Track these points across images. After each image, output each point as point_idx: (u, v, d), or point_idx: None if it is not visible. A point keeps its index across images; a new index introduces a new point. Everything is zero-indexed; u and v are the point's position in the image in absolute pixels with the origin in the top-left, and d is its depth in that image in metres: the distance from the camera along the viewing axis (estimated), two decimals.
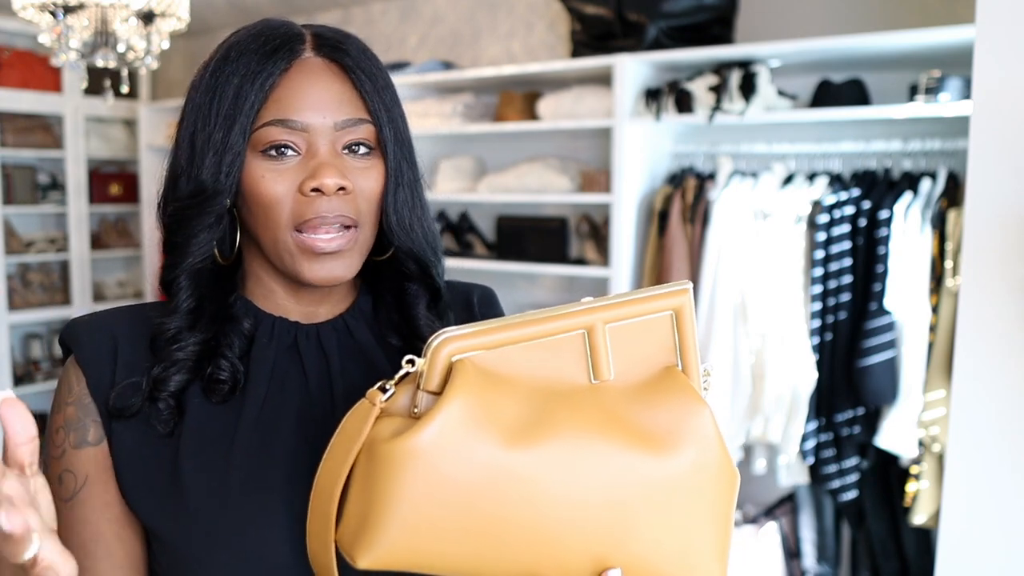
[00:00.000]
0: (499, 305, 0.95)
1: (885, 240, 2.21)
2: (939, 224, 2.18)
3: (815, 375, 2.31)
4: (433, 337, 0.62)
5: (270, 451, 0.74)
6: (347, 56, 0.75)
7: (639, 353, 0.66)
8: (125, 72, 2.40)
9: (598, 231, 2.94)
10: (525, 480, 0.60)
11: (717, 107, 2.44)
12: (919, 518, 2.18)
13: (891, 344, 2.19)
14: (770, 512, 2.65)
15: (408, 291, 0.83)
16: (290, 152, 0.73)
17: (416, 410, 0.62)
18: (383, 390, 0.62)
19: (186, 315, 0.76)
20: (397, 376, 0.63)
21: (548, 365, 0.64)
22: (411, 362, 0.62)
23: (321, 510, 0.63)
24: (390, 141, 0.76)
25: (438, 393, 0.61)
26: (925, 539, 2.36)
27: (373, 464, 0.60)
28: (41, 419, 4.08)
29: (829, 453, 2.34)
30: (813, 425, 2.34)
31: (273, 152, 0.72)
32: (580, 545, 0.61)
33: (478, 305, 0.91)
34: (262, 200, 0.73)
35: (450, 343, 0.62)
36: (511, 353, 0.63)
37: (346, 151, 0.74)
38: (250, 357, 0.78)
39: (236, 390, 0.76)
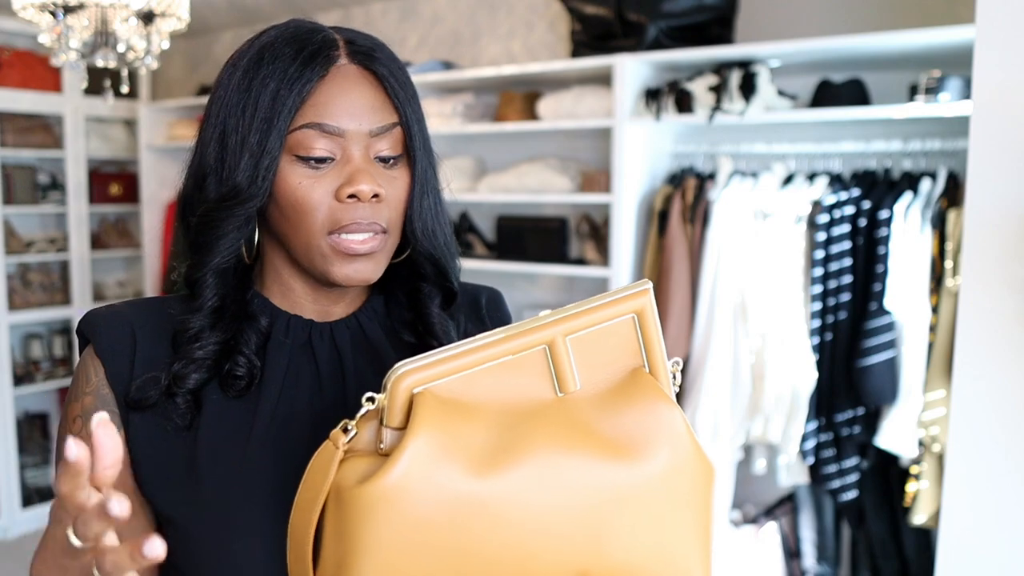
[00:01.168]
0: (506, 307, 0.96)
1: (885, 240, 2.21)
2: (939, 224, 2.18)
3: (815, 375, 2.31)
4: (391, 371, 0.61)
5: (284, 446, 0.76)
6: (381, 64, 0.77)
7: (604, 359, 0.66)
8: (125, 72, 2.40)
9: (598, 231, 2.94)
10: (499, 506, 0.59)
11: (717, 107, 2.44)
12: (919, 518, 2.18)
13: (891, 344, 2.19)
14: (770, 512, 2.65)
15: (422, 290, 0.85)
16: (325, 157, 0.74)
17: (382, 446, 0.61)
18: (345, 431, 0.61)
19: (210, 313, 0.77)
20: (358, 415, 0.62)
21: (512, 385, 0.63)
22: (371, 399, 0.61)
23: (297, 555, 0.62)
24: (419, 149, 0.78)
25: (402, 428, 0.60)
26: (925, 539, 2.36)
27: (342, 511, 0.59)
28: (41, 418, 4.09)
29: (829, 453, 2.34)
30: (813, 425, 2.34)
31: (308, 157, 0.74)
32: (561, 560, 0.61)
33: (486, 307, 0.93)
34: (299, 206, 0.74)
35: (409, 376, 0.60)
36: (473, 378, 0.62)
37: (377, 160, 0.76)
38: (266, 353, 0.79)
39: (252, 385, 0.77)
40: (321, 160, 0.74)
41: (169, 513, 0.74)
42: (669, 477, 0.63)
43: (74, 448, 0.51)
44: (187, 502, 0.74)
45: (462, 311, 0.89)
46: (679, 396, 0.70)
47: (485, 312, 0.92)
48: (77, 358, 0.81)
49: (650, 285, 0.66)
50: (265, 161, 0.73)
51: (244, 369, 0.77)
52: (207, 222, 0.76)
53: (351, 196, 0.73)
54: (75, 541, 0.55)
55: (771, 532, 2.60)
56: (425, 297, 0.84)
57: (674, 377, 0.68)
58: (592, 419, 0.63)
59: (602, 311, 0.65)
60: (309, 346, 0.81)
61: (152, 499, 0.75)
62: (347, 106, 0.74)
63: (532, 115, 2.94)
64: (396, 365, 0.61)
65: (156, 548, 0.51)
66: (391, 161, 0.77)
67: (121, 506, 0.51)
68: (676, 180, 2.65)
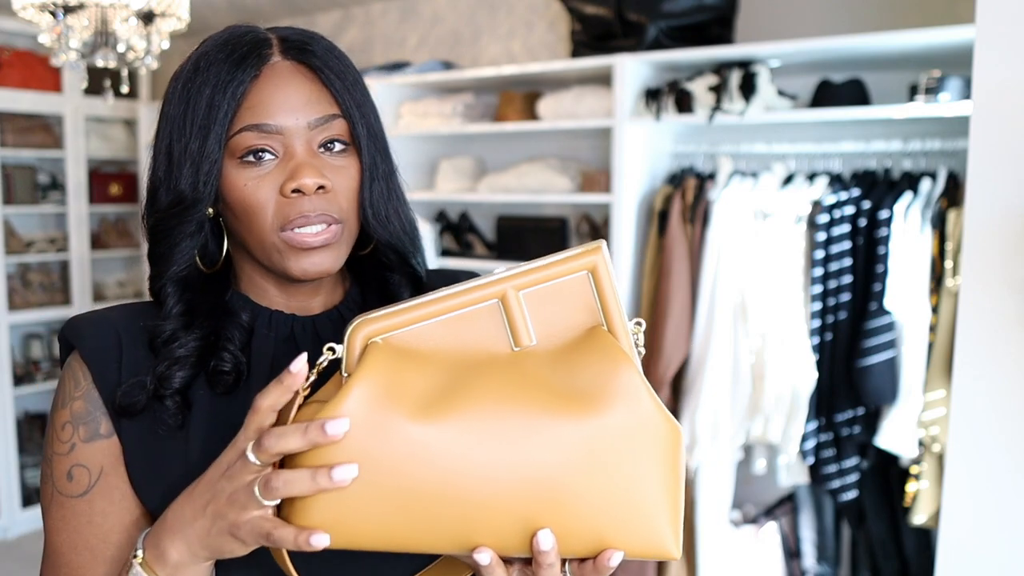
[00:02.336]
0: None
1: (885, 240, 2.21)
2: (939, 224, 2.18)
3: (815, 375, 2.30)
4: (349, 323, 0.64)
5: None
6: (314, 56, 0.77)
7: (560, 316, 0.67)
8: (125, 72, 2.40)
9: (598, 231, 2.94)
10: (439, 451, 0.60)
11: (717, 107, 2.44)
12: (919, 518, 2.18)
13: (891, 344, 2.19)
14: (770, 512, 2.65)
15: (391, 281, 0.85)
16: (267, 156, 0.74)
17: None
18: (308, 378, 0.65)
19: (178, 318, 0.77)
20: (319, 362, 0.65)
21: (467, 337, 0.66)
22: (332, 349, 0.65)
23: None
24: (363, 136, 0.78)
25: None
26: (925, 539, 2.36)
27: None
28: (41, 418, 4.08)
29: (829, 453, 2.34)
30: (813, 425, 2.33)
31: (251, 158, 0.74)
32: (507, 510, 0.61)
33: None
34: (246, 207, 0.74)
35: (365, 326, 0.64)
36: (429, 330, 0.65)
37: (322, 150, 0.76)
38: (250, 349, 0.80)
39: (240, 381, 0.78)
40: (262, 160, 0.74)
41: None
42: (625, 433, 0.62)
43: (299, 362, 0.59)
44: None
45: None
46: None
47: None
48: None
49: (603, 243, 0.68)
50: (205, 166, 0.73)
51: (230, 364, 0.77)
52: (159, 232, 0.77)
53: (295, 191, 0.73)
54: (252, 457, 0.59)
55: (771, 532, 2.60)
56: (395, 287, 0.85)
57: (636, 338, 0.69)
58: (545, 373, 0.65)
59: (554, 268, 0.67)
60: (292, 339, 0.81)
61: (148, 503, 0.75)
62: (282, 103, 0.74)
63: (532, 115, 2.94)
64: (354, 318, 0.65)
65: (350, 472, 0.57)
66: (336, 148, 0.77)
67: (338, 427, 0.57)
68: (676, 180, 2.65)
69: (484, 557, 0.62)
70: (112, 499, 0.75)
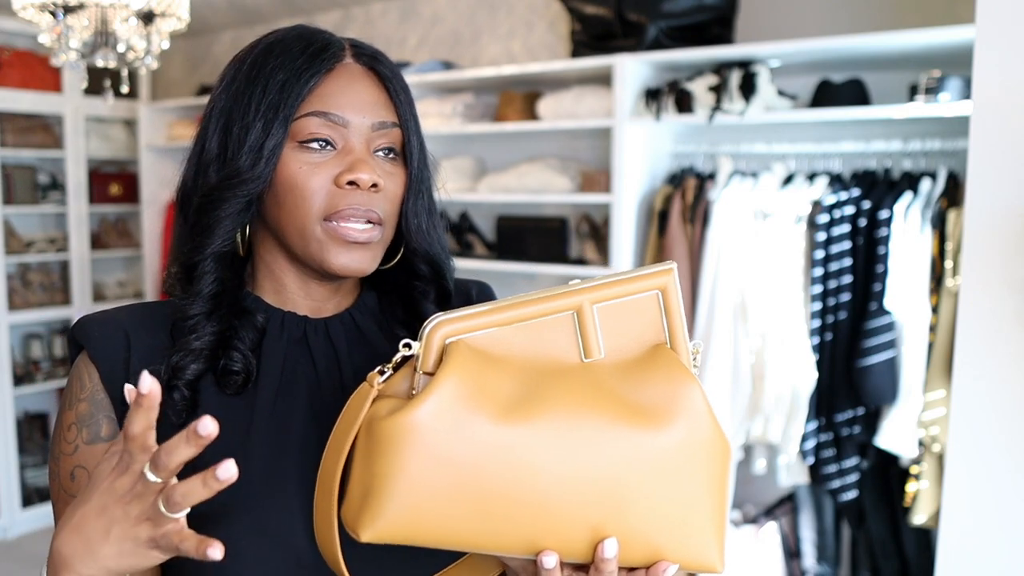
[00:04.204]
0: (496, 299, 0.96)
1: (885, 240, 2.21)
2: (939, 224, 2.18)
3: (815, 375, 2.31)
4: (428, 321, 0.65)
5: (285, 441, 0.76)
6: (383, 66, 0.80)
7: (628, 332, 0.69)
8: (125, 72, 2.40)
9: (598, 231, 2.94)
10: (518, 455, 0.61)
11: (717, 107, 2.44)
12: (919, 518, 2.18)
13: (891, 344, 2.19)
14: (770, 512, 2.65)
15: (416, 288, 0.86)
16: (327, 145, 0.76)
17: (415, 391, 0.64)
18: (382, 372, 0.66)
19: (208, 299, 0.78)
20: (395, 358, 0.66)
21: (540, 345, 0.67)
22: (408, 345, 0.65)
23: (325, 487, 0.65)
24: (415, 149, 0.81)
25: (434, 374, 0.64)
26: (925, 539, 2.36)
27: (372, 441, 0.62)
28: (41, 418, 4.09)
29: (829, 453, 2.35)
30: (813, 425, 2.34)
31: (313, 144, 0.76)
32: (576, 516, 0.63)
33: (477, 300, 0.95)
34: (296, 190, 0.76)
35: (444, 326, 0.65)
36: (504, 334, 0.66)
37: (376, 153, 0.78)
38: (261, 350, 0.80)
39: (249, 382, 0.78)
40: (323, 147, 0.76)
41: None
42: (687, 449, 0.64)
43: (148, 381, 0.56)
44: None
45: (454, 305, 0.90)
46: None
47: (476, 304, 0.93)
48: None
49: (675, 265, 0.69)
50: (270, 144, 0.75)
51: (240, 365, 0.77)
52: (208, 203, 0.77)
53: (350, 183, 0.75)
54: (152, 477, 0.58)
55: (771, 532, 2.60)
56: (419, 295, 0.86)
57: (694, 358, 0.70)
58: (615, 386, 0.66)
59: (628, 284, 0.68)
60: (304, 342, 0.82)
61: None
62: (351, 99, 0.77)
63: (532, 115, 2.94)
64: (432, 316, 0.65)
65: (230, 469, 0.55)
66: (390, 156, 0.79)
67: (208, 425, 0.55)
68: (676, 180, 2.65)
69: (550, 560, 0.63)
70: None
